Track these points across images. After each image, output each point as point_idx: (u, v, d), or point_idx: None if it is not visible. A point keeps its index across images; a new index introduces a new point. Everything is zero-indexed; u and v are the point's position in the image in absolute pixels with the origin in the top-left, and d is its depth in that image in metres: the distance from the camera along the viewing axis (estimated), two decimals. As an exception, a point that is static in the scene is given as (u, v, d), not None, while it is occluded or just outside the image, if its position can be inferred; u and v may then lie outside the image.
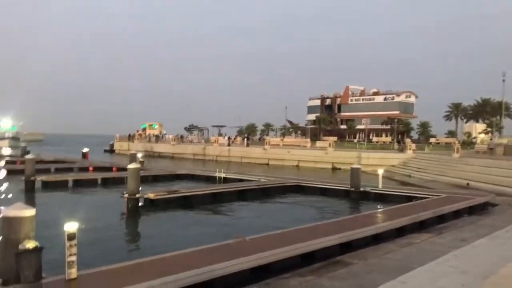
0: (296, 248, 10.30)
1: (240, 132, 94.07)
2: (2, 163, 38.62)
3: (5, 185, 26.86)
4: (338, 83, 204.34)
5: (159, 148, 70.13)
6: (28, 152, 43.57)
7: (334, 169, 46.47)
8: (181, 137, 78.31)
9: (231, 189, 23.28)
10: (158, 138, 78.60)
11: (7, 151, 62.88)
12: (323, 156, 49.73)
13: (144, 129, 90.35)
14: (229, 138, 71.03)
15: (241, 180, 27.11)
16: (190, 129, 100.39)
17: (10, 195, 22.85)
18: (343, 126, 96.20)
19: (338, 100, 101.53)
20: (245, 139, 68.08)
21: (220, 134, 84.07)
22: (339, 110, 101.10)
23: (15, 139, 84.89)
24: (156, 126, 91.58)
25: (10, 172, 32.22)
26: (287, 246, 10.19)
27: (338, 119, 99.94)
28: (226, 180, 27.84)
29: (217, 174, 28.38)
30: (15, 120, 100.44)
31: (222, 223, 16.39)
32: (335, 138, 69.66)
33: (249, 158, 56.19)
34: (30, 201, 20.17)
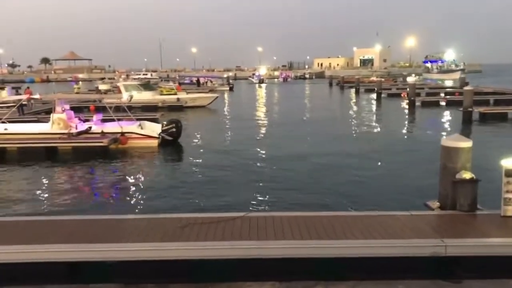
0: None
1: None
2: (442, 94, 40.87)
3: (444, 115, 28.39)
4: None
5: None
6: (466, 84, 43.95)
7: None
8: None
9: None
10: None
11: (449, 82, 65.21)
12: None
13: None
14: None
15: None
16: None
17: (448, 125, 24.10)
18: None
19: None
20: None
21: None
22: None
23: (461, 71, 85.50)
24: None
25: (449, 103, 33.86)
26: None
27: None
28: None
29: None
30: (456, 52, 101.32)
31: None
32: None
33: None
34: (466, 132, 20.57)
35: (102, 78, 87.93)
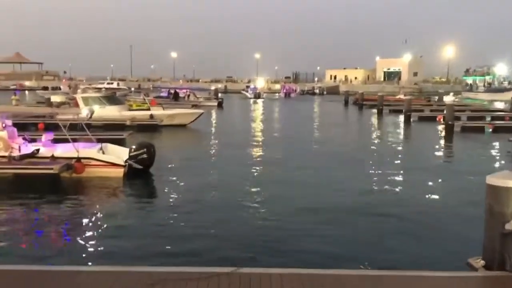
0: None
1: None
2: (489, 118, 41.33)
3: (491, 145, 28.60)
4: None
5: None
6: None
7: None
8: None
9: None
10: None
11: (499, 105, 65.23)
12: None
13: None
14: None
15: None
16: None
17: (496, 159, 24.27)
18: None
19: None
20: None
21: None
22: None
23: None
24: None
25: (497, 130, 34.49)
26: None
27: None
28: None
29: None
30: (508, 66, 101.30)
31: None
32: None
33: None
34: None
35: (45, 88, 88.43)
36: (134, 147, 18.74)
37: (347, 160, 23.39)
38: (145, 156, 18.31)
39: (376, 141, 31.31)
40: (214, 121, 44.79)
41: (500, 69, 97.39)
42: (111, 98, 38.22)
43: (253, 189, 16.84)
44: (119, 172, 17.81)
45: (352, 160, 23.37)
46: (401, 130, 38.56)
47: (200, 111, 39.43)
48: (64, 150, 18.14)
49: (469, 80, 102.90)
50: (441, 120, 38.12)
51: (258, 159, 23.41)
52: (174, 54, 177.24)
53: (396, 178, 19.39)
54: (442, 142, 31.08)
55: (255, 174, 19.68)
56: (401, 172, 20.56)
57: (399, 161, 23.69)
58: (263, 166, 21.23)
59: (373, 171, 20.41)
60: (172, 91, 66.02)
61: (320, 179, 18.77)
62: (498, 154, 25.89)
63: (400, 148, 28.74)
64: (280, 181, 18.22)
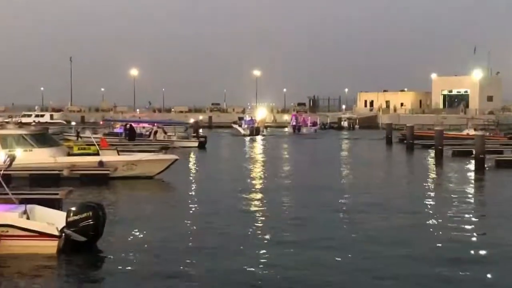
0: None
1: None
2: None
3: None
4: None
5: None
6: None
7: None
8: None
9: None
10: None
11: None
12: None
13: None
14: None
15: None
16: None
17: None
18: None
19: None
20: None
21: None
22: None
23: None
24: None
25: None
26: None
27: None
28: None
29: None
30: None
31: None
32: None
33: None
34: None
35: None
36: (74, 209, 18.56)
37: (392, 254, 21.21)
38: (90, 222, 18.14)
39: (435, 209, 27.95)
40: (193, 171, 44.99)
41: None
42: (42, 137, 38.13)
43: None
44: (52, 246, 17.60)
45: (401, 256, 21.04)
46: (472, 185, 37.48)
47: (173, 156, 39.22)
48: None
49: None
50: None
51: (257, 236, 22.22)
52: (134, 72, 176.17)
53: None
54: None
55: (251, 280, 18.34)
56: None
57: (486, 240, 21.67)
58: (262, 253, 20.18)
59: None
60: (129, 126, 65.94)
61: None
62: None
63: (474, 228, 24.51)
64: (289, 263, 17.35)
